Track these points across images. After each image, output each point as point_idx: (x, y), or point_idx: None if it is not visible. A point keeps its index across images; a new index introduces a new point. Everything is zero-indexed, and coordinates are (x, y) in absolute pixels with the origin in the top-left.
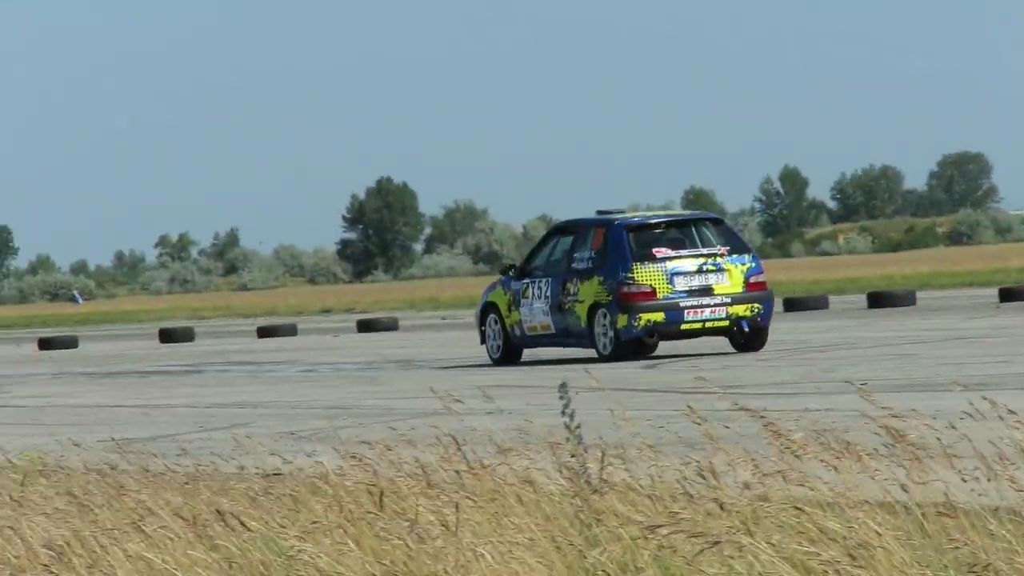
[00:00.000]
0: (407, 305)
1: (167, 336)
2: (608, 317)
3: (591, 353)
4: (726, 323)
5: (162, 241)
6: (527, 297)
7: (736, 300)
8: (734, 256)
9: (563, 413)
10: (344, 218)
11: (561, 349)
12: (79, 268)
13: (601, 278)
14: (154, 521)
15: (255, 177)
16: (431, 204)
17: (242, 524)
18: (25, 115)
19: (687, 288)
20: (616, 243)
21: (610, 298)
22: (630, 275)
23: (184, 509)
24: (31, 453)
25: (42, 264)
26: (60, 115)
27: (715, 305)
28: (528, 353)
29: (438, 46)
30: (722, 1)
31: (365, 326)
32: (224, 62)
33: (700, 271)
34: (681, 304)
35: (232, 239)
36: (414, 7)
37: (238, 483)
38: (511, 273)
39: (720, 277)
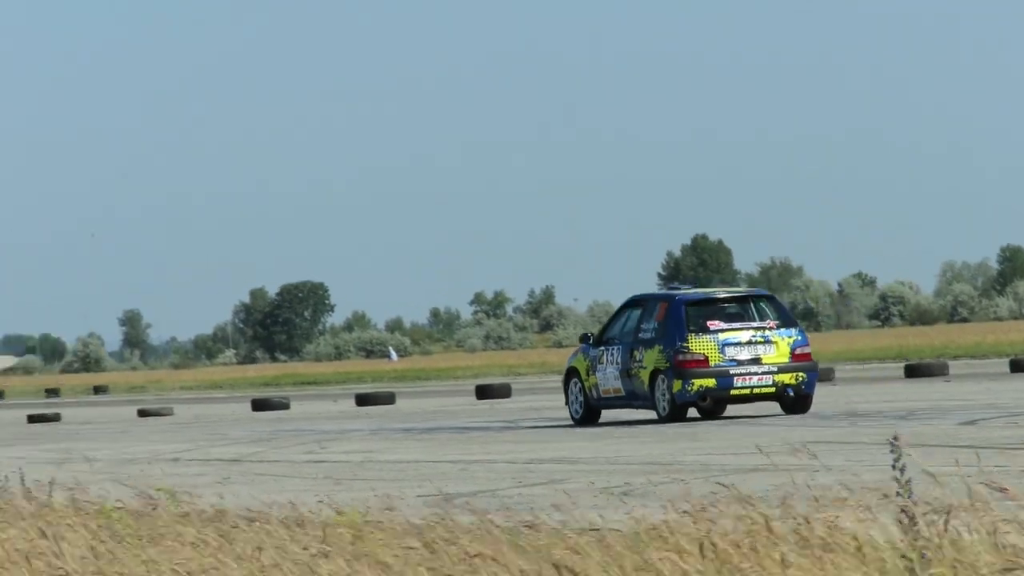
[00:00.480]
0: None
1: (483, 392)
2: (666, 382)
3: (653, 415)
4: (772, 390)
5: (477, 298)
6: (602, 363)
7: (782, 369)
8: (782, 329)
9: (893, 467)
10: (660, 275)
11: (630, 412)
12: (395, 325)
13: (661, 346)
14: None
15: (570, 234)
16: (746, 261)
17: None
18: (339, 176)
19: (737, 358)
20: (675, 315)
21: (668, 364)
22: (685, 344)
23: (513, 561)
24: (351, 510)
25: (358, 321)
26: (372, 176)
27: (762, 373)
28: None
29: (745, 105)
30: None
31: None
32: (535, 121)
33: (750, 342)
34: (731, 372)
35: (547, 296)
36: (724, 74)
37: (561, 538)
38: (590, 341)
39: (768, 348)
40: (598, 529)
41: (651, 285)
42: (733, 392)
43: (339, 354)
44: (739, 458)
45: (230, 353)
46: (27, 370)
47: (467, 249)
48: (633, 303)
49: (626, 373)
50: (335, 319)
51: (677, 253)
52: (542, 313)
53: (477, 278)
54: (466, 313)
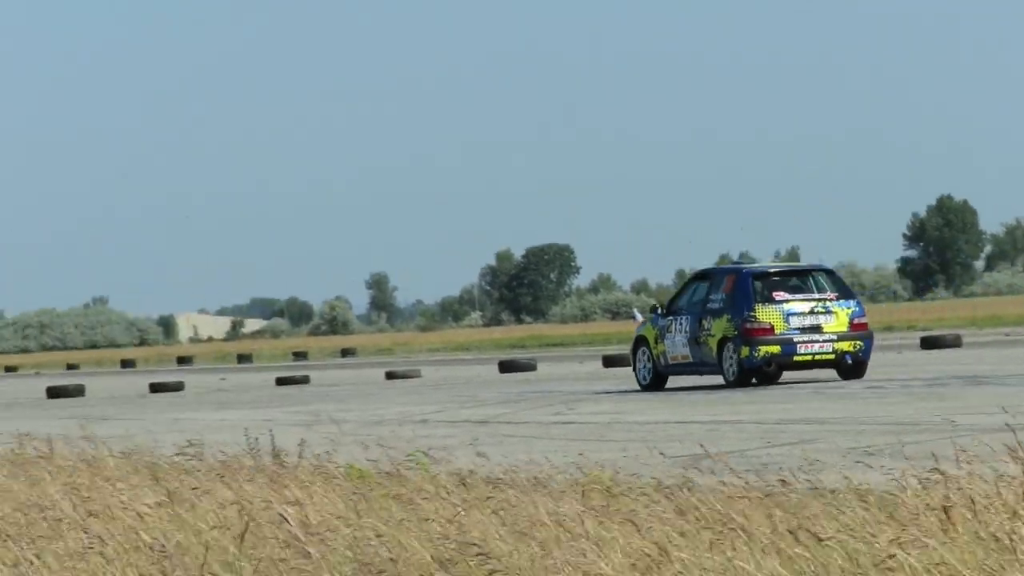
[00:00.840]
0: (968, 323)
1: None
2: (734, 348)
3: (719, 380)
4: (832, 356)
5: (722, 259)
6: (671, 332)
7: (841, 337)
8: (841, 301)
9: None
10: (905, 236)
11: (696, 378)
12: (640, 287)
13: (729, 316)
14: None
15: (814, 196)
16: (992, 222)
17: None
18: (588, 139)
19: (800, 326)
20: (743, 287)
21: (736, 332)
22: (753, 313)
23: (761, 523)
24: (599, 471)
25: (603, 283)
26: (623, 138)
27: (823, 341)
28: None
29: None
30: None
31: (928, 343)
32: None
33: (812, 312)
34: (795, 339)
35: (792, 256)
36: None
37: (814, 498)
38: (659, 312)
39: (828, 318)
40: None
41: (897, 248)
42: (796, 358)
43: (584, 316)
44: (988, 418)
45: (476, 315)
46: (274, 333)
47: (711, 210)
48: (700, 276)
49: (695, 341)
50: (580, 281)
51: (922, 214)
52: None
53: (722, 239)
54: None
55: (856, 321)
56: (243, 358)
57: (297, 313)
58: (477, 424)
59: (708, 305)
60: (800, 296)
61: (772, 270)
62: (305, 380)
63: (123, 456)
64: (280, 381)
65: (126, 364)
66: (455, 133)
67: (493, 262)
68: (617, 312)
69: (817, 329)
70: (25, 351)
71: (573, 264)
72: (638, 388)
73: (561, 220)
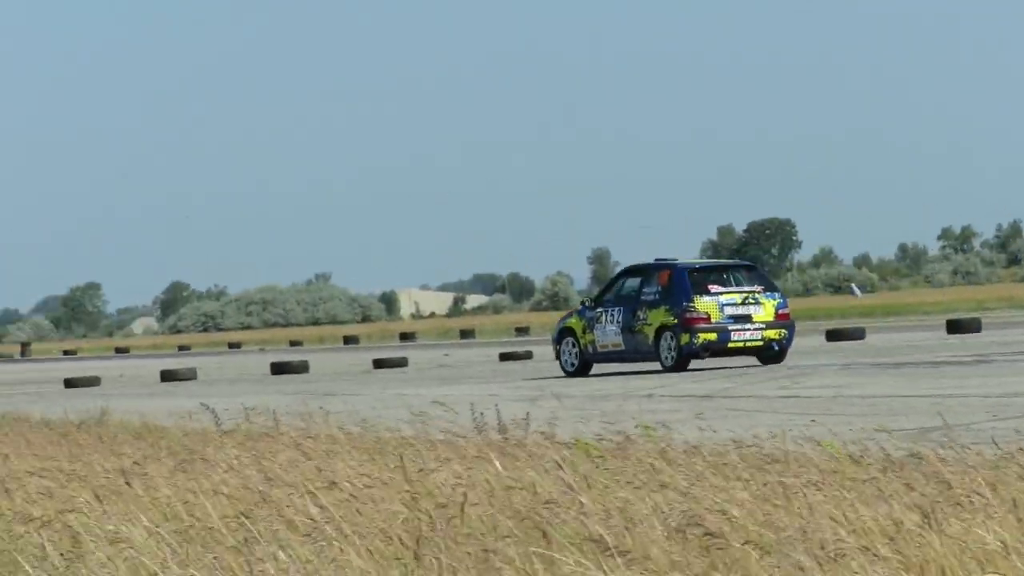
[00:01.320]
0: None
1: (954, 327)
2: (672, 336)
3: (653, 367)
4: (760, 343)
5: (944, 233)
6: (600, 322)
7: (768, 326)
8: (768, 293)
9: None
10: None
11: (625, 365)
12: (862, 261)
13: (667, 306)
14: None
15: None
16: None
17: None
18: (806, 112)
19: (733, 315)
20: (679, 280)
21: (675, 321)
22: (692, 304)
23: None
24: (831, 442)
25: (825, 257)
26: (840, 108)
27: (754, 329)
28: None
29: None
30: None
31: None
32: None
33: (744, 303)
34: (729, 328)
35: (1015, 230)
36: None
37: None
38: (586, 305)
39: (757, 309)
40: None
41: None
42: (730, 345)
43: (806, 290)
44: None
45: None
46: (496, 309)
47: (935, 183)
48: (629, 272)
49: (628, 330)
50: (802, 255)
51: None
52: (1010, 247)
53: (945, 212)
54: (933, 248)
55: (780, 312)
56: (466, 334)
57: (519, 289)
58: (701, 398)
59: (642, 297)
60: (732, 288)
61: (705, 265)
62: (528, 356)
63: (359, 430)
64: (503, 356)
65: (348, 340)
66: (671, 110)
67: (715, 236)
68: (838, 287)
69: (748, 319)
70: (248, 328)
71: (795, 238)
72: (856, 363)
73: (784, 194)
